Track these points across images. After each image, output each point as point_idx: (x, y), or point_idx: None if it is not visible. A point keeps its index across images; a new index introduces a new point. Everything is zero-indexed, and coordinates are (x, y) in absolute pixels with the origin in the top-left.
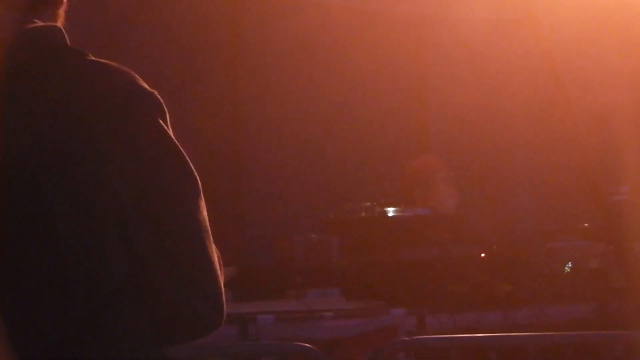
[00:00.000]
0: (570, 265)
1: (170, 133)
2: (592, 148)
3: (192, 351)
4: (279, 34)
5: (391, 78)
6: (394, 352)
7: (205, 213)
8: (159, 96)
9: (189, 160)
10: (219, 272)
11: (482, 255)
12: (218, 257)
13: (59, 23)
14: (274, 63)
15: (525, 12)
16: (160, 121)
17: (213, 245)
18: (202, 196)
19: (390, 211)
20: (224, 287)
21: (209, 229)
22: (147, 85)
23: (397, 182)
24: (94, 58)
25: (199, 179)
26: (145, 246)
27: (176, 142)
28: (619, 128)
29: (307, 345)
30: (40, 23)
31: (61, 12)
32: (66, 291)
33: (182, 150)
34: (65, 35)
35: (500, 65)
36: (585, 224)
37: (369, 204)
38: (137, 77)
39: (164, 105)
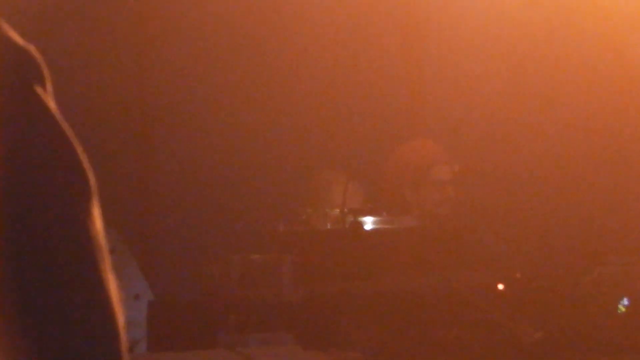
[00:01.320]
0: (626, 301)
1: (53, 107)
2: None
3: None
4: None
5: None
6: None
7: (99, 225)
8: (36, 54)
9: (76, 149)
10: (116, 307)
11: (500, 286)
12: (117, 287)
13: None
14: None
15: None
16: (38, 89)
17: (109, 271)
18: (96, 202)
19: (367, 222)
20: (126, 329)
21: (105, 247)
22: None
23: (378, 180)
24: None
25: (92, 179)
26: (19, 275)
27: (61, 122)
28: None
29: None
30: None
31: None
32: None
33: (66, 133)
34: None
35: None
36: None
37: (336, 211)
38: (6, 27)
39: (43, 66)
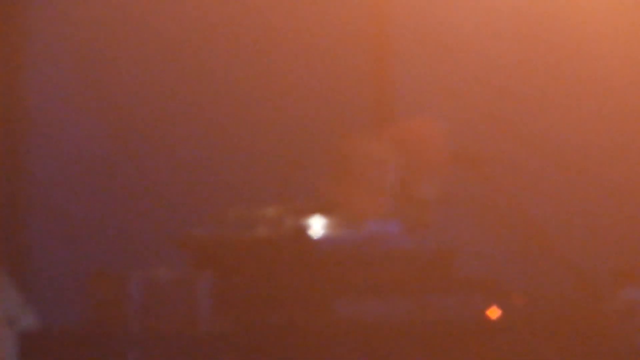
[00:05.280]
0: None
1: None
2: None
3: None
4: None
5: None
6: None
7: None
8: None
9: None
10: None
11: (493, 313)
12: None
13: None
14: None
15: None
16: None
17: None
18: None
19: (319, 226)
20: None
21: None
22: None
23: (330, 169)
24: None
25: None
26: None
27: None
28: None
29: None
30: None
31: None
32: None
33: None
34: None
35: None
36: None
37: (272, 210)
38: None
39: None
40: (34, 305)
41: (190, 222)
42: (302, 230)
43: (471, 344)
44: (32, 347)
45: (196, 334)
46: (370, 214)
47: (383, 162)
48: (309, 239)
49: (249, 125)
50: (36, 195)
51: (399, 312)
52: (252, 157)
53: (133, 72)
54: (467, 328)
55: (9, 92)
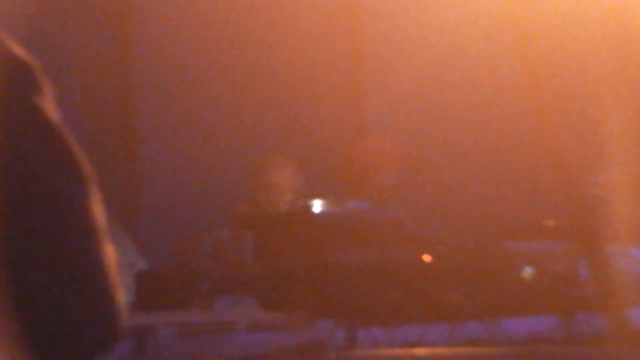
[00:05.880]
0: (530, 269)
1: (51, 114)
2: (558, 129)
3: None
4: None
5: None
6: None
7: (97, 209)
8: (34, 65)
9: (73, 149)
10: (112, 280)
11: (426, 258)
12: (114, 259)
13: None
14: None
15: None
16: (36, 98)
17: (108, 249)
18: (94, 189)
19: (318, 205)
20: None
21: (103, 228)
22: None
23: (328, 170)
24: None
25: (88, 169)
26: (23, 256)
27: (57, 125)
28: (593, 111)
29: None
30: None
31: None
32: None
33: (64, 136)
34: None
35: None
36: (550, 221)
37: (291, 195)
38: (7, 39)
39: (40, 76)
40: (144, 254)
41: (239, 201)
42: (309, 207)
43: (413, 277)
44: (144, 283)
45: (243, 271)
46: (350, 197)
47: (360, 164)
48: (313, 213)
49: (267, 133)
50: (148, 176)
51: (368, 258)
52: (275, 161)
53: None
54: (411, 267)
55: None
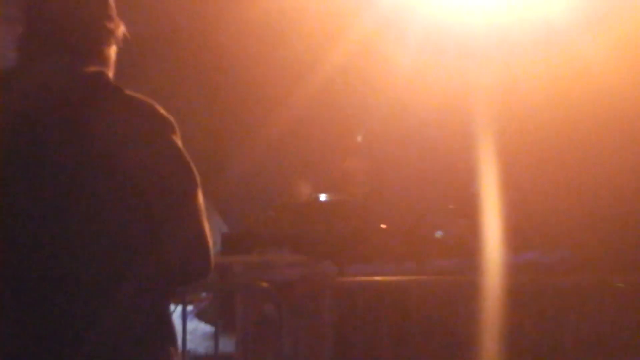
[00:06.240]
0: (440, 232)
1: (179, 143)
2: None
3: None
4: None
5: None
6: (323, 290)
7: (201, 199)
8: (172, 119)
9: (190, 162)
10: (209, 238)
11: (383, 226)
12: (208, 225)
13: (109, 63)
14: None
15: None
16: (173, 137)
17: (206, 221)
18: (199, 187)
19: (322, 197)
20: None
21: (204, 209)
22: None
23: (328, 177)
24: (128, 93)
25: (197, 175)
26: (163, 222)
27: (182, 150)
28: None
29: (265, 284)
30: (90, 69)
31: (110, 52)
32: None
33: (186, 155)
34: (108, 76)
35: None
36: (451, 205)
37: (307, 192)
38: (156, 105)
39: (175, 125)
40: (227, 223)
41: (281, 196)
42: (315, 198)
43: (376, 236)
44: (226, 240)
45: (282, 234)
46: (337, 191)
47: (346, 174)
48: (318, 201)
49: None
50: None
51: (349, 227)
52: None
53: None
54: (373, 232)
55: None
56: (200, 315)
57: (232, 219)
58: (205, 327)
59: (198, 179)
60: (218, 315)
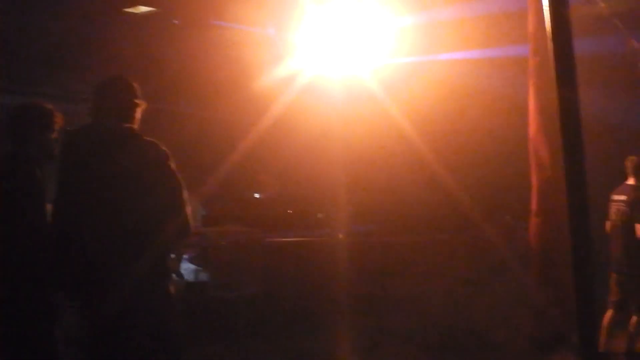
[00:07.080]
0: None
1: (173, 165)
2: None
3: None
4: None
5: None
6: (255, 245)
7: (186, 195)
8: (168, 151)
9: (179, 175)
10: (190, 217)
11: (290, 211)
12: (191, 212)
13: (135, 121)
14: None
15: None
16: (169, 162)
17: (189, 207)
18: (184, 189)
19: (256, 195)
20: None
21: (188, 201)
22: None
23: (259, 185)
24: (145, 138)
25: (183, 182)
26: (166, 207)
27: (174, 168)
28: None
29: (224, 243)
30: (126, 125)
31: (137, 115)
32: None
33: (176, 171)
34: (135, 129)
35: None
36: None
37: (250, 193)
38: (160, 143)
39: (170, 154)
40: (206, 207)
41: (242, 196)
42: (254, 197)
43: (283, 218)
44: (205, 219)
45: (253, 212)
46: (262, 192)
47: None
48: (255, 198)
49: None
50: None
51: (266, 212)
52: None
53: None
54: (283, 214)
55: None
56: (191, 260)
57: (208, 207)
58: (193, 267)
59: (184, 184)
60: (200, 260)
